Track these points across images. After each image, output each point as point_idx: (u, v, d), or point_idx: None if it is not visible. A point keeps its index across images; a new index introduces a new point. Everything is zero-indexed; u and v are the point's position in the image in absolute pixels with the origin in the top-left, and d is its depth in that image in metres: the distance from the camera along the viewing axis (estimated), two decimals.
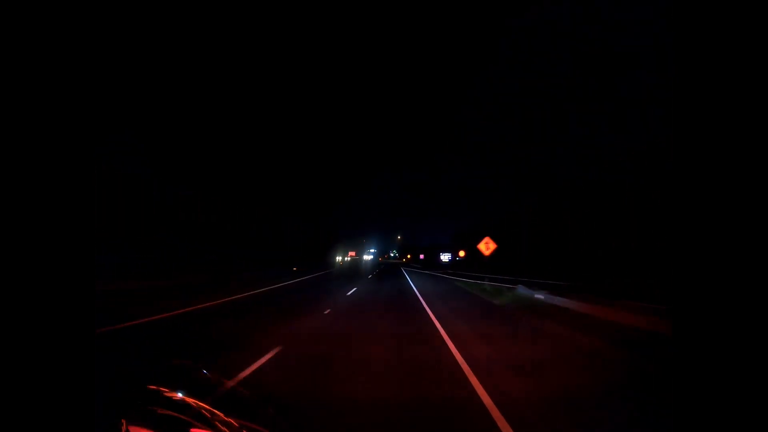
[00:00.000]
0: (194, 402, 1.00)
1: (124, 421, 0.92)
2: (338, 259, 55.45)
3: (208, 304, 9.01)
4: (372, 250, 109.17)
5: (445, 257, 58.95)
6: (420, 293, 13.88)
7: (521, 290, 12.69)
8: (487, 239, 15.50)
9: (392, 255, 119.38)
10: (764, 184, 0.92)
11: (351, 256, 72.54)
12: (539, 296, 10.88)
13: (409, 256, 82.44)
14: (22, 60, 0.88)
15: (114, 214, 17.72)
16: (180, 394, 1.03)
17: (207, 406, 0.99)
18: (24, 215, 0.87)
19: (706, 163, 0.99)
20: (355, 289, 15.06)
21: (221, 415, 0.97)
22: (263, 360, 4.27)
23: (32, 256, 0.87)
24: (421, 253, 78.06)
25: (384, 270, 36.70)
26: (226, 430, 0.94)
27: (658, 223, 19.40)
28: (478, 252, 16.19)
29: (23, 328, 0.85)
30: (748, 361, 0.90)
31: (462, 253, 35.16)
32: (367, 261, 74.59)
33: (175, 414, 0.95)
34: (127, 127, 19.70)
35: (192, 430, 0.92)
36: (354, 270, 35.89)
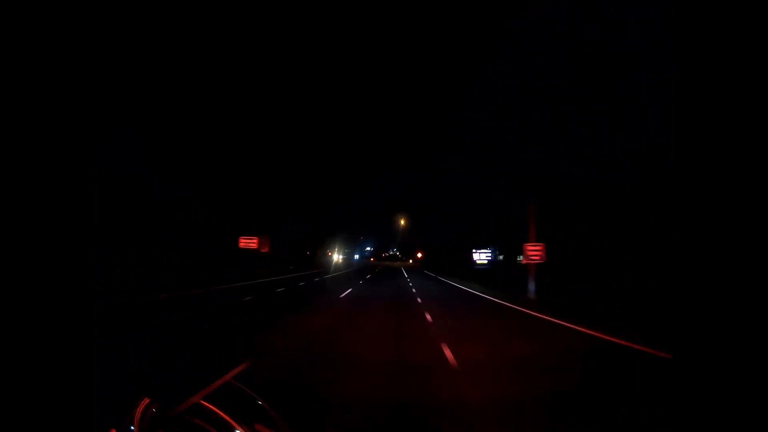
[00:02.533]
0: (208, 406, 1.03)
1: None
2: None
3: None
4: (368, 249, 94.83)
5: (480, 256, 41.40)
6: None
7: None
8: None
9: (391, 253, 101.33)
10: (764, 183, 0.91)
11: None
12: None
13: (419, 255, 59.20)
14: (22, 60, 0.88)
15: (113, 214, 17.62)
16: (192, 399, 1.05)
17: (224, 415, 1.01)
18: (24, 216, 0.87)
19: (705, 162, 0.98)
20: None
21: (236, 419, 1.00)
22: None
23: (32, 257, 0.87)
24: (433, 252, 57.61)
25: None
26: None
27: (658, 224, 19.69)
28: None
29: (24, 329, 0.85)
30: (748, 366, 0.89)
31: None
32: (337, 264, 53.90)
33: (198, 421, 0.98)
34: (127, 126, 19.53)
35: None
36: None
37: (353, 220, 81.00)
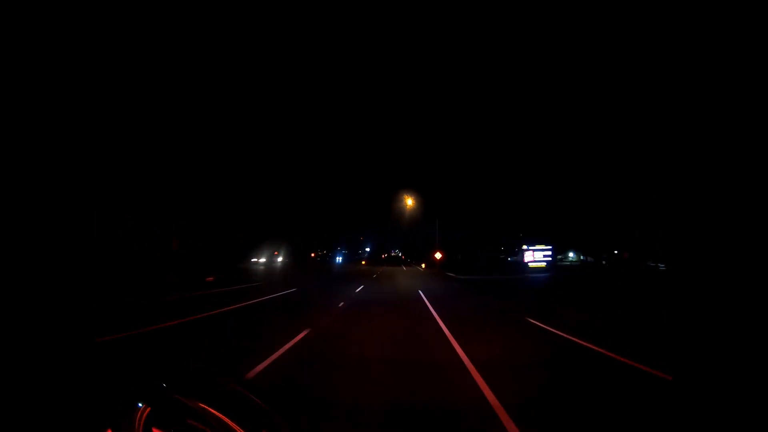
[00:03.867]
0: (211, 411, 1.02)
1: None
2: None
3: None
4: (367, 249, 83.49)
5: (535, 256, 27.91)
6: None
7: None
8: None
9: (392, 254, 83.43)
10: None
11: None
12: None
13: (438, 256, 34.29)
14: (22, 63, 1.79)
15: None
16: (198, 403, 1.05)
17: (221, 416, 1.01)
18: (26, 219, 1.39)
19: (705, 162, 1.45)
20: None
21: (235, 426, 0.98)
22: None
23: (34, 259, 1.42)
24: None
25: None
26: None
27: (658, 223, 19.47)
28: None
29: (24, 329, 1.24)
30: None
31: None
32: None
33: (196, 424, 0.99)
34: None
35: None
36: None
37: (351, 218, 64.95)
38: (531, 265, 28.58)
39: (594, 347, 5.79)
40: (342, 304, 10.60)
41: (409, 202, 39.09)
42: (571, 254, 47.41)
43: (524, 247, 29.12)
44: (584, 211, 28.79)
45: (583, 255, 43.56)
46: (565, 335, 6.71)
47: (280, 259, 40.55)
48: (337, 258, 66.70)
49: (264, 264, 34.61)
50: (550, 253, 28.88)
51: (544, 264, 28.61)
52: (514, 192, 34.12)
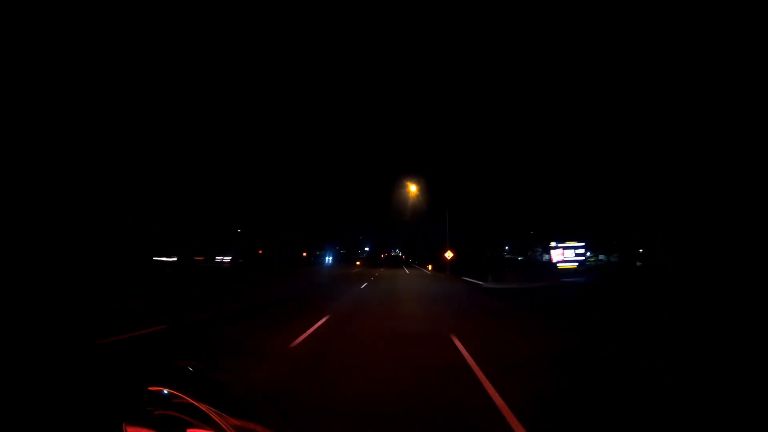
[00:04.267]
0: (194, 402, 0.99)
1: (125, 425, 0.91)
2: None
3: None
4: (366, 249, 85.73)
5: (566, 254, 23.36)
6: None
7: None
8: None
9: (393, 254, 79.70)
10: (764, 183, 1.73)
11: None
12: None
13: (449, 256, 25.02)
14: (24, 64, 1.78)
15: None
16: (181, 394, 1.02)
17: (206, 406, 0.97)
18: (27, 222, 1.34)
19: (705, 162, 1.65)
20: None
21: (222, 414, 0.96)
22: None
23: (34, 261, 1.31)
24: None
25: None
26: (226, 429, 0.94)
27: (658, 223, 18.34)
28: None
29: (23, 330, 1.14)
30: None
31: None
32: None
33: (174, 414, 0.96)
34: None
35: (190, 430, 0.93)
36: None
37: (350, 218, 62.71)
38: (560, 266, 24.14)
39: None
40: None
41: (413, 188, 33.87)
42: (588, 253, 43.93)
43: (552, 244, 24.48)
44: (609, 207, 24.85)
45: (602, 254, 39.88)
46: None
47: (227, 258, 33.40)
48: (327, 258, 60.12)
49: (174, 265, 24.53)
50: (583, 251, 24.36)
51: (575, 265, 24.10)
52: (525, 187, 30.22)
